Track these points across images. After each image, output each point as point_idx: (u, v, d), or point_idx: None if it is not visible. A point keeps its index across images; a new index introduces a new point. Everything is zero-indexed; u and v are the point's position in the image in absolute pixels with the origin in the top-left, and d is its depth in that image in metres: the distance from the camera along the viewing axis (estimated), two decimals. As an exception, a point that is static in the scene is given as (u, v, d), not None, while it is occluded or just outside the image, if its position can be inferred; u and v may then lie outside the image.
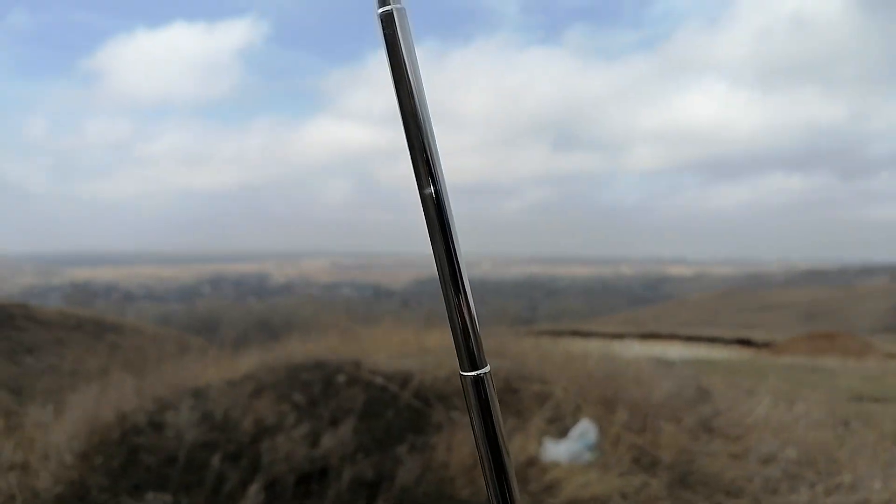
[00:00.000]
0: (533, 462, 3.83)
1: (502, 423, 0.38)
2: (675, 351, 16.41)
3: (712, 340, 22.85)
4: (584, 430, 4.06)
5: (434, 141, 0.39)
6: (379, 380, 4.52)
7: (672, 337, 23.17)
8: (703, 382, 5.90)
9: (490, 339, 6.86)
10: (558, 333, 15.86)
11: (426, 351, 6.03)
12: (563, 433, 4.12)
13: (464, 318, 0.37)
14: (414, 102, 0.38)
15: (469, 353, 0.37)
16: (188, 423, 4.39)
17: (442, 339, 6.72)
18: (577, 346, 8.67)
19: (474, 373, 0.37)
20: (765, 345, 21.52)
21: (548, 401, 4.40)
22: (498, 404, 0.38)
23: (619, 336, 19.98)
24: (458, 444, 3.99)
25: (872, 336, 22.59)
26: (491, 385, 0.38)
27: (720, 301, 46.69)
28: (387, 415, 4.15)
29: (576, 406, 4.38)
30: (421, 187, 0.38)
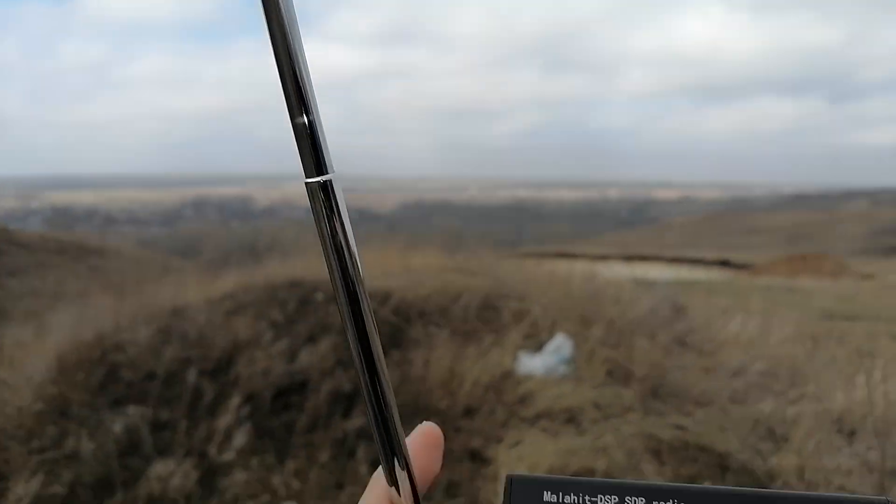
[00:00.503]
0: (508, 375, 3.91)
1: (352, 231, 0.36)
2: (657, 272, 16.59)
3: (694, 262, 23.18)
4: (560, 345, 4.12)
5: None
6: (357, 298, 4.53)
7: (655, 259, 23.45)
8: (679, 301, 5.99)
9: (472, 260, 6.88)
10: (543, 255, 15.96)
11: (409, 271, 6.04)
12: (539, 348, 4.19)
13: (312, 125, 0.35)
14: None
15: (316, 160, 0.35)
16: (167, 341, 4.42)
17: (426, 260, 6.74)
18: (561, 267, 8.72)
19: (320, 178, 0.35)
20: (745, 266, 21.86)
21: (525, 318, 4.44)
22: (346, 211, 0.36)
23: (603, 258, 20.17)
24: (437, 359, 4.05)
25: (849, 258, 22.97)
26: (338, 192, 0.36)
27: (705, 224, 47.06)
28: (364, 331, 4.17)
29: (553, 322, 4.43)
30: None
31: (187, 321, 4.77)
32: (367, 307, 0.38)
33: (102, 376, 4.25)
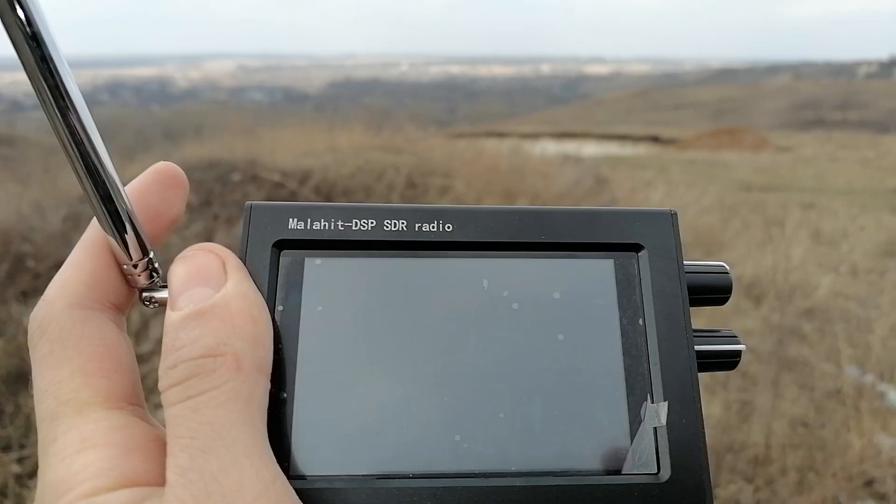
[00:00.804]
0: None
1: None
2: (587, 149, 16.74)
3: (623, 138, 23.48)
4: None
5: None
6: (276, 177, 4.38)
7: (585, 135, 23.61)
8: (604, 175, 6.05)
9: (398, 138, 6.71)
10: (476, 135, 15.81)
11: (333, 150, 5.86)
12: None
13: None
14: None
15: None
16: (76, 228, 4.20)
17: (352, 139, 6.53)
18: (491, 145, 8.66)
19: None
20: (671, 141, 22.27)
21: (450, 193, 4.41)
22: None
23: (535, 136, 20.17)
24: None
25: (771, 131, 23.68)
26: None
27: (634, 100, 47.35)
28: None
29: (478, 197, 4.41)
30: None
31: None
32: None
33: (8, 267, 4.03)
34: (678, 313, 0.41)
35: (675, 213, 0.44)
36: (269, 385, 0.36)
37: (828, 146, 17.96)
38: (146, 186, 0.39)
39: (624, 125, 28.87)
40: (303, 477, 0.37)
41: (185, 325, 0.35)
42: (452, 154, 5.77)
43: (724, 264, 0.45)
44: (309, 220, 0.42)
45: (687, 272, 0.43)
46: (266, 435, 0.35)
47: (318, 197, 4.32)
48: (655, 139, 23.49)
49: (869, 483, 2.64)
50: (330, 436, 0.38)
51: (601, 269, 0.43)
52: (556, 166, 5.81)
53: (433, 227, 0.42)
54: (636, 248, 0.43)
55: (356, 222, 0.42)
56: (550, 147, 14.45)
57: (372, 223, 0.42)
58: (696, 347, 0.41)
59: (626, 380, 0.40)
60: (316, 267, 0.41)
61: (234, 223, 4.00)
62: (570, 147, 16.05)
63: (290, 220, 0.42)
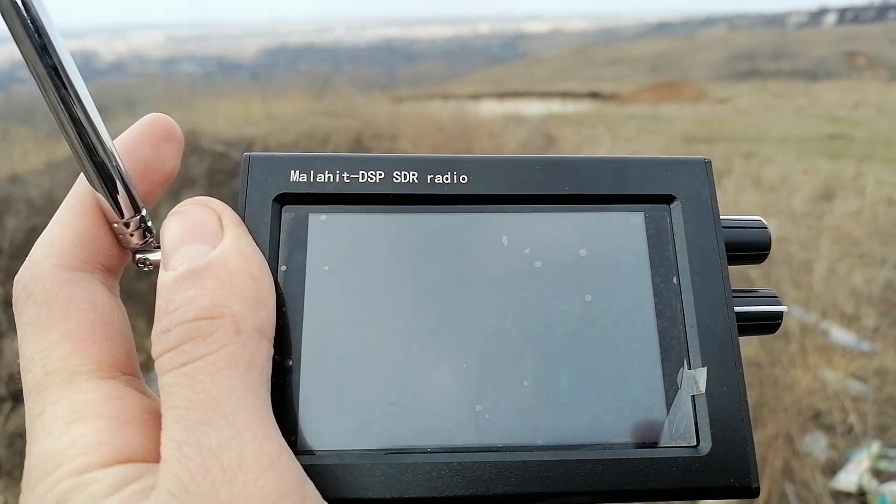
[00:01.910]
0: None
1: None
2: (530, 107, 16.77)
3: (565, 95, 23.56)
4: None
5: None
6: (219, 147, 4.24)
7: (527, 94, 23.62)
8: (551, 132, 6.06)
9: (340, 103, 6.57)
10: (418, 98, 15.63)
11: (273, 117, 5.70)
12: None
13: None
14: None
15: None
16: (7, 211, 3.99)
17: (293, 106, 6.37)
18: (435, 107, 8.57)
19: None
20: (612, 97, 22.46)
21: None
22: None
23: (477, 96, 20.07)
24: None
25: (708, 83, 24.12)
26: None
27: (574, 57, 47.47)
28: (233, 183, 3.95)
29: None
30: None
31: (31, 187, 4.32)
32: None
33: None
34: (715, 271, 0.38)
35: (710, 162, 0.41)
36: (272, 350, 0.34)
37: (763, 96, 18.40)
38: (136, 139, 0.36)
39: (565, 82, 28.98)
40: (311, 452, 0.35)
41: (178, 285, 0.32)
42: (397, 117, 5.68)
43: (762, 219, 0.43)
44: (312, 171, 0.38)
45: (723, 227, 0.40)
46: (270, 404, 0.32)
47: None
48: (596, 95, 23.65)
49: (816, 416, 2.76)
50: (340, 407, 0.36)
51: (630, 223, 0.40)
52: (502, 126, 5.78)
53: (447, 179, 0.39)
54: (668, 199, 0.40)
55: (363, 174, 0.39)
56: (493, 107, 14.40)
57: (381, 175, 0.39)
58: (736, 309, 0.39)
59: (661, 344, 0.38)
60: (321, 223, 0.38)
61: (177, 197, 3.86)
62: (514, 106, 16.04)
63: (293, 172, 0.38)
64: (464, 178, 0.39)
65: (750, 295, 0.41)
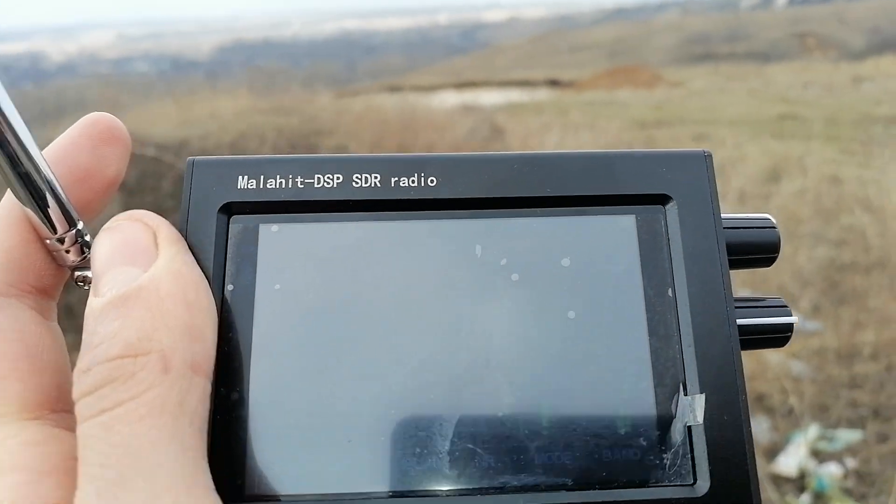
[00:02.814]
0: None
1: None
2: (488, 97, 16.74)
3: (524, 84, 23.58)
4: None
5: None
6: (150, 151, 4.11)
7: (486, 83, 23.59)
8: (500, 122, 6.02)
9: (286, 100, 6.45)
10: (378, 90, 15.51)
11: (215, 117, 5.57)
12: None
13: None
14: None
15: None
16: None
17: (237, 104, 6.23)
18: (389, 100, 8.48)
19: None
20: (570, 84, 22.57)
21: (339, 153, 4.27)
22: None
23: (436, 87, 19.99)
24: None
25: (663, 67, 24.37)
26: None
27: (533, 45, 47.58)
28: (162, 186, 3.83)
29: (369, 152, 4.30)
30: None
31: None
32: None
33: None
34: (716, 280, 0.34)
35: (710, 155, 0.37)
36: (209, 387, 0.28)
37: (717, 79, 18.63)
38: (74, 142, 0.32)
39: (524, 71, 29.04)
40: (260, 498, 0.30)
41: (104, 315, 0.28)
42: (342, 112, 5.59)
43: (770, 217, 0.38)
44: (263, 177, 0.34)
45: (725, 227, 0.36)
46: (204, 453, 0.27)
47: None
48: (555, 83, 23.74)
49: (759, 398, 2.76)
50: (292, 445, 0.31)
51: (620, 228, 0.36)
52: (450, 116, 5.73)
53: (413, 181, 0.35)
54: (663, 199, 0.36)
55: (319, 178, 0.35)
56: (452, 98, 14.35)
57: (339, 178, 0.35)
58: (739, 321, 0.35)
59: (654, 366, 0.33)
60: (272, 235, 0.34)
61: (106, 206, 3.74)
62: (472, 96, 16.00)
63: (241, 178, 0.34)
64: (432, 181, 0.35)
65: (754, 305, 0.37)
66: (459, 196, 0.35)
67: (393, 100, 7.88)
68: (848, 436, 2.47)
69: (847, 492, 2.25)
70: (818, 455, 2.43)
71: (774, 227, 0.38)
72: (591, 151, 0.37)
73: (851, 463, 2.35)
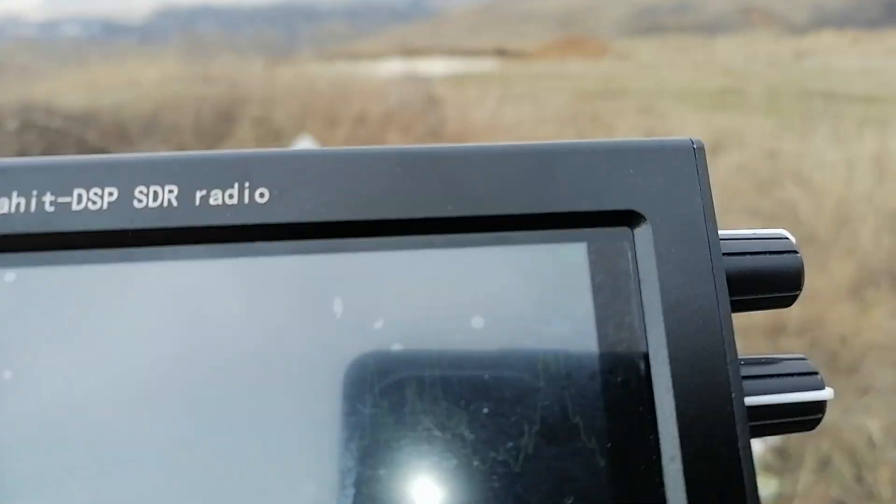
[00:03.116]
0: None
1: None
2: (434, 66, 16.48)
3: (471, 53, 23.32)
4: (305, 146, 3.83)
5: None
6: (57, 122, 3.82)
7: (432, 52, 23.26)
8: (437, 92, 5.85)
9: (214, 68, 6.12)
10: (321, 59, 15.09)
11: (135, 84, 5.24)
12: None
13: None
14: None
15: None
16: None
17: (164, 72, 5.89)
18: (317, 69, 8.20)
19: None
20: (518, 54, 22.44)
21: (266, 124, 4.04)
22: None
23: (377, 56, 19.62)
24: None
25: (612, 39, 24.44)
26: None
27: (482, 14, 47.16)
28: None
29: (298, 125, 4.08)
30: None
31: None
32: None
33: None
34: (712, 335, 0.22)
35: (701, 147, 0.24)
36: None
37: (664, 51, 18.79)
38: None
39: (472, 40, 28.77)
40: None
41: None
42: (272, 81, 5.33)
43: (787, 234, 0.25)
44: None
45: (724, 254, 0.24)
46: None
47: (105, 140, 3.80)
48: (503, 52, 23.57)
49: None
50: None
51: (563, 263, 0.23)
52: (385, 85, 5.53)
53: (232, 197, 0.22)
54: (629, 218, 0.24)
55: (81, 195, 0.22)
56: (393, 67, 14.04)
57: (111, 195, 0.22)
58: (748, 400, 0.22)
59: (613, 484, 0.21)
60: (5, 287, 0.22)
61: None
62: (415, 65, 15.72)
63: None
64: (261, 194, 0.22)
65: (768, 372, 0.24)
66: (306, 220, 0.22)
67: (327, 68, 7.61)
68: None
69: (768, 467, 2.23)
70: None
71: (796, 252, 0.26)
72: (521, 144, 0.24)
73: (773, 440, 2.33)
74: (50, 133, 3.74)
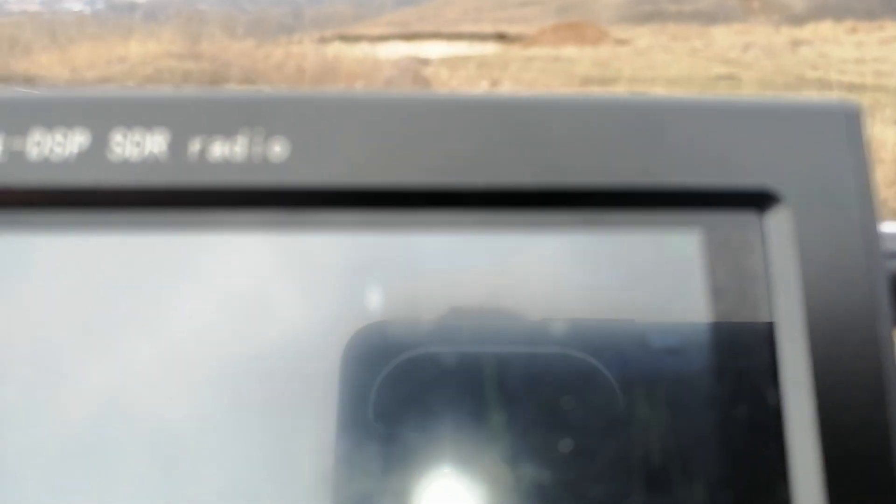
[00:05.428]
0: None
1: None
2: (435, 49, 16.38)
3: (471, 37, 23.20)
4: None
5: None
6: (39, 95, 3.83)
7: (434, 36, 23.12)
8: (427, 74, 5.86)
9: (203, 44, 6.11)
10: (323, 40, 15.00)
11: (124, 61, 5.25)
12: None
13: None
14: None
15: None
16: None
17: (157, 49, 5.88)
18: (317, 49, 8.17)
19: None
20: (518, 38, 22.32)
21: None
22: None
23: (382, 38, 19.50)
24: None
25: (611, 25, 24.28)
26: None
27: (485, -2, 46.86)
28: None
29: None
30: None
31: None
32: None
33: None
34: (870, 364, 0.16)
35: (859, 112, 0.19)
36: None
37: (662, 38, 18.65)
38: None
39: (473, 24, 28.58)
40: None
41: None
42: (261, 60, 5.34)
43: None
44: None
45: (886, 255, 0.18)
46: None
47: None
48: (503, 37, 23.44)
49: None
50: None
51: (668, 257, 0.17)
52: (374, 67, 5.53)
53: (242, 149, 0.16)
54: (760, 199, 0.18)
55: (42, 137, 0.16)
56: (392, 49, 13.96)
57: (84, 139, 0.16)
58: None
59: None
60: None
61: None
62: (419, 49, 15.62)
63: None
64: (278, 149, 0.17)
65: None
66: (337, 184, 0.17)
67: (320, 49, 7.60)
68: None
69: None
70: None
71: None
72: (619, 97, 0.19)
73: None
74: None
